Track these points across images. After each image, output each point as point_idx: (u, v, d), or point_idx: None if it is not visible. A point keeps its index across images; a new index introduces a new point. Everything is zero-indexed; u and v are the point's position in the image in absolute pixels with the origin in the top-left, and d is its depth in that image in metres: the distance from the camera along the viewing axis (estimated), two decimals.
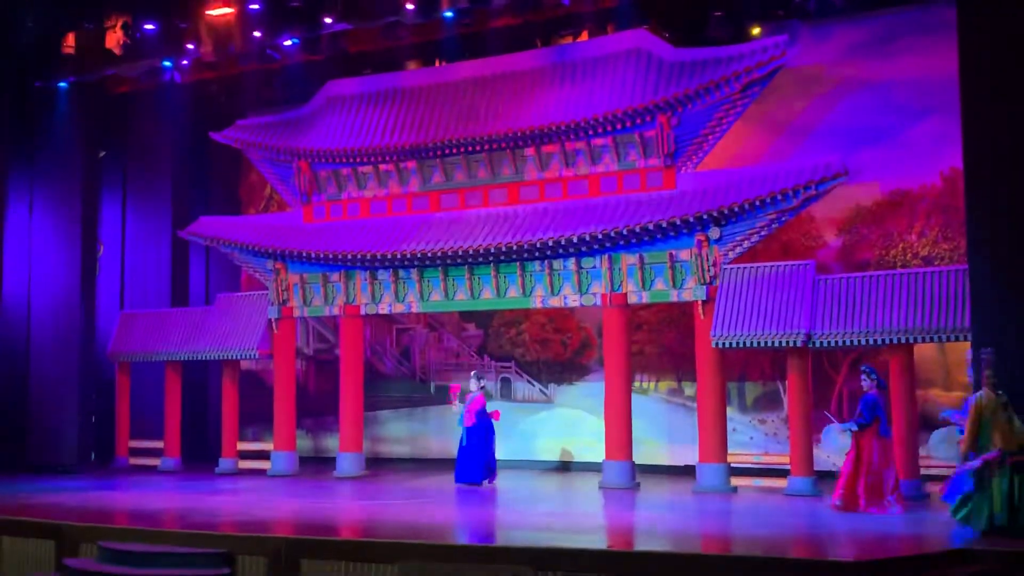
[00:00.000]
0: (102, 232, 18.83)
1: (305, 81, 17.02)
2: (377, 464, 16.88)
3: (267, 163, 16.55)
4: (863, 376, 11.43)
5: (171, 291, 18.86)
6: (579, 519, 11.10)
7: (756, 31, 14.66)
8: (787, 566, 7.76)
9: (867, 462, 11.02)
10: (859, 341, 12.50)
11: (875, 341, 12.44)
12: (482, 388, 14.65)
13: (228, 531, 9.85)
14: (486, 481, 14.09)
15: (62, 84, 17.57)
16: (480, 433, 14.23)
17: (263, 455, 16.85)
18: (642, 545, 9.45)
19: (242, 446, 17.19)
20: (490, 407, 14.60)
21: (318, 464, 17.17)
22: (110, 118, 18.60)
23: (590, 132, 14.02)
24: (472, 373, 15.05)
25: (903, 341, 12.36)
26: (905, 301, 12.33)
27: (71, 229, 17.49)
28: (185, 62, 16.92)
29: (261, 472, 16.29)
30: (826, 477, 12.92)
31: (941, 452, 13.64)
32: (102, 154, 18.64)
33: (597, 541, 9.53)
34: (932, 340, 12.30)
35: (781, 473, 13.27)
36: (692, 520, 10.83)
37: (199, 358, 16.93)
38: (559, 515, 11.38)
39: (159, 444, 17.46)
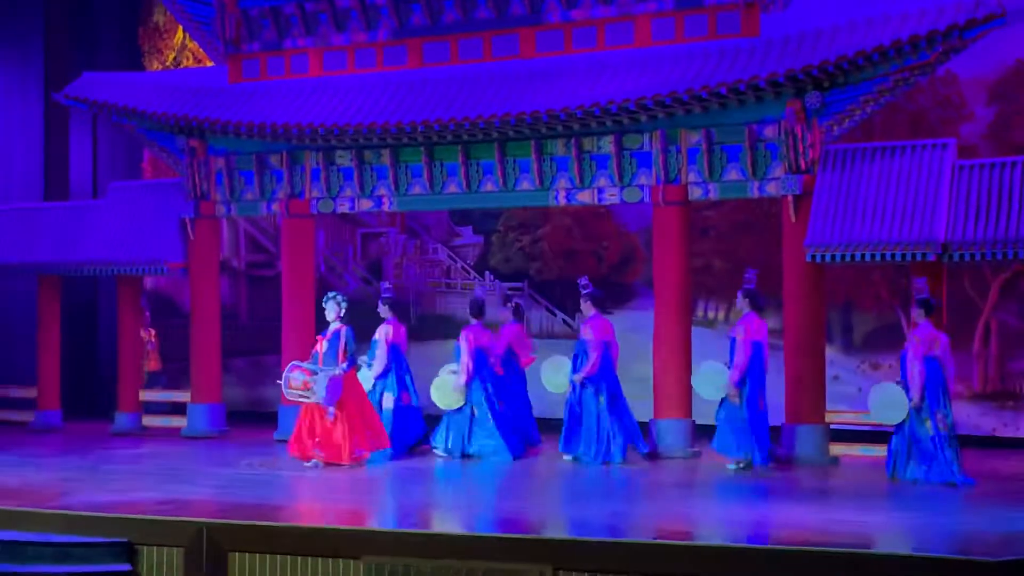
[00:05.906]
0: None
1: None
2: None
3: None
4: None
5: (44, 178, 18.85)
6: (613, 506, 11.11)
7: None
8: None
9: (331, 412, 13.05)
10: (1017, 252, 12.51)
11: None
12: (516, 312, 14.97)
13: (128, 513, 9.91)
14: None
15: None
16: (513, 386, 14.62)
17: (177, 408, 16.91)
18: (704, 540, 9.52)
19: (147, 395, 17.29)
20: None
21: (254, 421, 17.33)
22: None
23: None
24: (506, 295, 15.38)
25: None
26: None
27: None
28: None
29: (174, 432, 16.44)
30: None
31: None
32: None
33: (638, 533, 9.61)
34: None
35: None
36: (777, 506, 10.82)
37: (84, 272, 16.91)
38: (580, 496, 11.53)
39: (31, 392, 17.57)
